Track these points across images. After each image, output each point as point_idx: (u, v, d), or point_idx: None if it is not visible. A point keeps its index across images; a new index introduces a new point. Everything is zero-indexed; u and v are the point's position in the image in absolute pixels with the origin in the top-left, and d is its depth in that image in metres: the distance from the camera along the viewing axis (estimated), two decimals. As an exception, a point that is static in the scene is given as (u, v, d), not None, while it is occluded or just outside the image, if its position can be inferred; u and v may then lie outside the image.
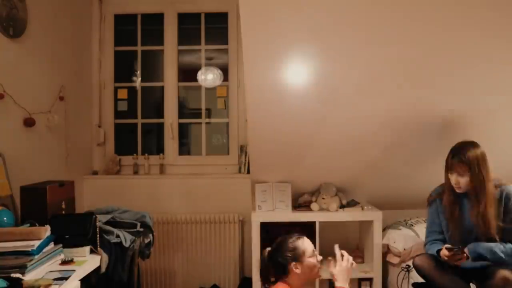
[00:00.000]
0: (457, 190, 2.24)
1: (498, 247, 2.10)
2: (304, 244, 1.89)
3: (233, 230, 3.34)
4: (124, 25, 3.62)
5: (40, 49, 2.75)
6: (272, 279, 1.91)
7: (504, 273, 2.04)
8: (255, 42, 2.18)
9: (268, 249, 1.95)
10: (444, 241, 2.34)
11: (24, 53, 2.58)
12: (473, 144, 2.22)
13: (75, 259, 1.96)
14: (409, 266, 2.70)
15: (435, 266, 2.26)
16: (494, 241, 2.14)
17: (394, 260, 2.94)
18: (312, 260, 1.87)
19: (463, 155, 2.17)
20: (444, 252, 2.16)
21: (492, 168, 2.20)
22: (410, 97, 2.51)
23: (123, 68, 3.63)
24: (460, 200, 2.28)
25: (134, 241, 2.36)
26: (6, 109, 2.40)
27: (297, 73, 2.36)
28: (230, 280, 3.36)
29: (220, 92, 3.60)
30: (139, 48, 3.61)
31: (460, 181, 2.20)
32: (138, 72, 3.64)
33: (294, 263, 1.84)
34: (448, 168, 2.25)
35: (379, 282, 2.95)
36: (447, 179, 2.29)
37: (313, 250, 1.91)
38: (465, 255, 2.12)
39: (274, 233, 3.06)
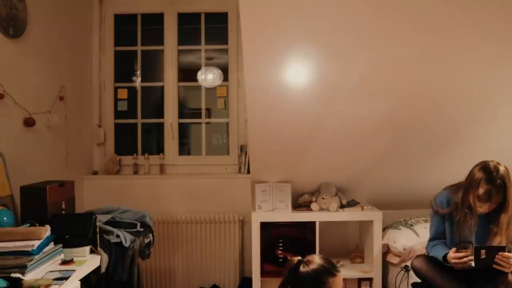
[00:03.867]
0: (482, 213, 2.17)
1: None
2: (334, 282, 1.70)
3: (233, 230, 3.33)
4: (124, 25, 3.62)
5: (40, 49, 2.74)
6: None
7: (507, 276, 2.03)
8: (255, 42, 2.18)
9: (297, 259, 1.77)
10: (445, 244, 2.34)
11: (24, 53, 2.58)
12: (500, 166, 2.12)
13: (75, 259, 1.96)
14: (407, 267, 2.70)
15: (433, 268, 2.26)
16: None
17: (394, 260, 2.94)
18: None
19: (503, 184, 2.06)
20: (456, 255, 2.10)
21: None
22: (409, 97, 2.51)
23: (123, 68, 3.63)
24: (473, 217, 2.21)
25: (134, 241, 2.36)
26: (6, 109, 2.40)
27: (296, 73, 2.37)
28: (230, 280, 3.36)
29: (220, 92, 3.60)
30: (139, 48, 3.61)
31: (490, 207, 2.13)
32: (138, 72, 3.64)
33: None
34: (484, 199, 2.11)
35: (379, 282, 2.95)
36: (467, 199, 2.19)
37: None
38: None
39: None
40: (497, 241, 2.13)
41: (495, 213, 2.15)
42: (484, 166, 2.13)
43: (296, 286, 1.72)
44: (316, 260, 1.74)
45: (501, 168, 2.10)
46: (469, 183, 2.17)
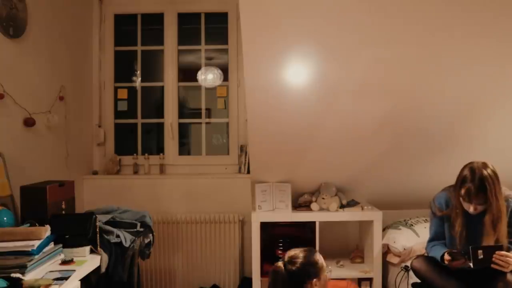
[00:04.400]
0: (473, 214, 2.18)
1: None
2: (321, 258, 1.80)
3: (233, 230, 3.33)
4: (124, 25, 3.62)
5: (40, 49, 2.74)
6: None
7: (506, 276, 2.03)
8: (255, 42, 2.18)
9: (281, 262, 1.82)
10: (445, 245, 2.34)
11: (24, 53, 2.58)
12: (486, 167, 2.11)
13: (75, 259, 1.96)
14: (407, 267, 2.70)
15: (432, 268, 2.26)
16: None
17: (394, 260, 2.94)
18: (327, 275, 1.79)
19: (484, 185, 2.06)
20: (446, 257, 2.15)
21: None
22: (409, 97, 2.51)
23: (123, 68, 3.63)
24: (471, 221, 2.22)
25: (134, 241, 2.36)
26: (6, 109, 2.40)
27: (296, 73, 2.37)
28: (230, 280, 3.36)
29: (220, 92, 3.60)
30: (139, 48, 3.61)
31: (478, 208, 2.13)
32: (138, 72, 3.64)
33: (315, 279, 1.74)
34: (466, 199, 2.13)
35: (379, 282, 2.95)
36: (458, 201, 2.20)
37: (327, 269, 1.81)
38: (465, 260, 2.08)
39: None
40: (486, 242, 2.14)
41: (482, 214, 2.16)
42: (470, 167, 2.15)
43: (297, 282, 1.75)
44: (295, 252, 1.81)
45: (486, 170, 2.10)
46: (456, 183, 2.21)
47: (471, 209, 2.15)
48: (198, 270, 3.35)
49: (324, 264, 1.80)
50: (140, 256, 2.55)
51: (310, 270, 1.75)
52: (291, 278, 1.75)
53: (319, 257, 1.81)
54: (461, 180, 2.16)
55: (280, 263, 1.82)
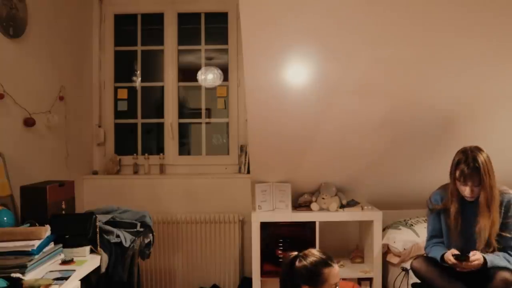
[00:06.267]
0: (470, 199, 2.20)
1: (507, 258, 2.12)
2: (331, 273, 1.73)
3: (233, 230, 3.33)
4: (124, 25, 3.62)
5: (40, 49, 2.74)
6: None
7: (504, 274, 2.04)
8: (255, 42, 2.18)
9: (294, 254, 1.83)
10: (443, 243, 2.34)
11: (24, 53, 2.58)
12: (480, 150, 2.16)
13: (75, 259, 1.96)
14: (407, 269, 2.69)
15: (432, 269, 2.26)
16: (491, 246, 2.16)
17: (394, 260, 2.94)
18: None
19: (477, 164, 2.09)
20: (450, 258, 2.15)
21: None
22: (409, 97, 2.52)
23: (123, 68, 3.63)
24: (465, 208, 2.24)
25: (134, 241, 2.36)
26: (6, 109, 2.40)
27: (297, 73, 2.37)
28: (230, 280, 3.36)
29: (220, 92, 3.60)
30: (139, 48, 3.61)
31: (475, 191, 2.15)
32: (138, 72, 3.64)
33: (307, 286, 1.73)
34: (461, 180, 2.16)
35: (379, 282, 2.95)
36: (454, 188, 2.23)
37: (335, 284, 1.74)
38: (470, 262, 2.09)
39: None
40: (480, 223, 2.16)
41: (477, 199, 2.19)
42: (462, 150, 2.20)
43: (293, 279, 1.77)
44: (312, 253, 1.80)
45: (478, 151, 2.14)
46: (451, 168, 2.23)
47: (467, 191, 2.16)
48: (198, 270, 3.35)
49: (332, 281, 1.73)
50: (140, 256, 2.55)
51: (308, 276, 1.74)
52: (290, 271, 1.79)
53: (327, 272, 1.73)
54: (455, 163, 2.20)
55: (294, 253, 1.83)
